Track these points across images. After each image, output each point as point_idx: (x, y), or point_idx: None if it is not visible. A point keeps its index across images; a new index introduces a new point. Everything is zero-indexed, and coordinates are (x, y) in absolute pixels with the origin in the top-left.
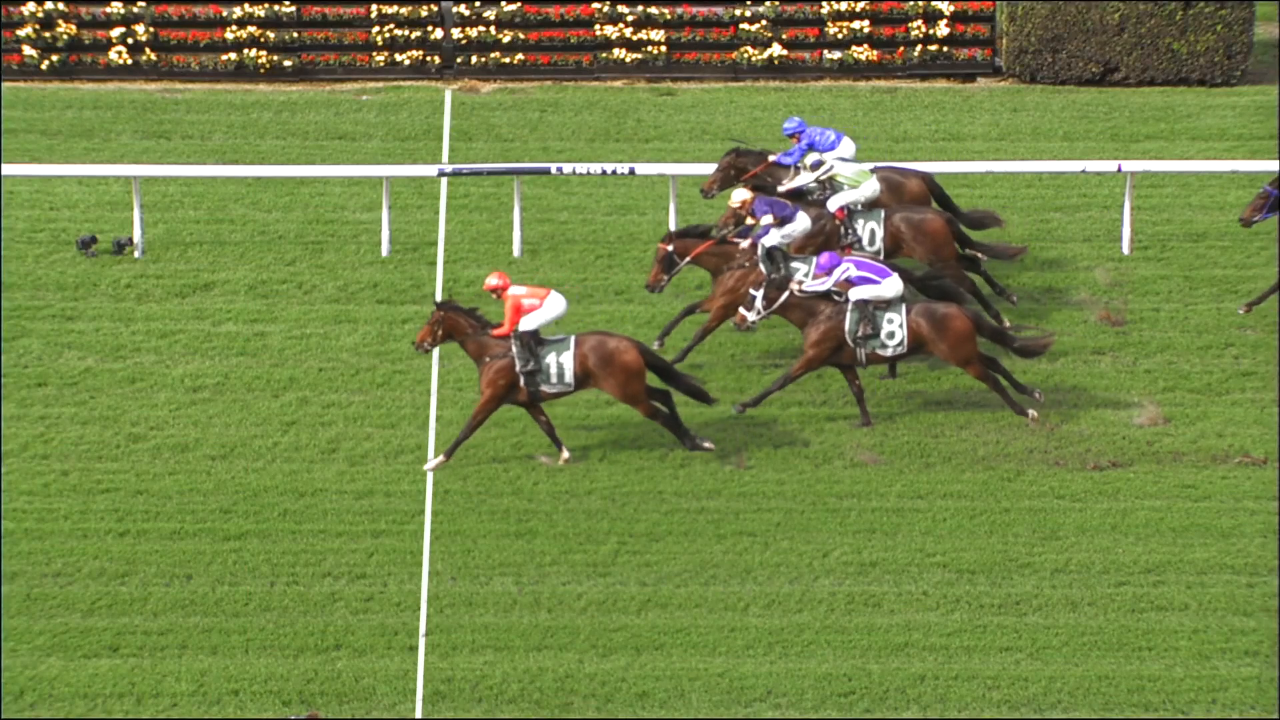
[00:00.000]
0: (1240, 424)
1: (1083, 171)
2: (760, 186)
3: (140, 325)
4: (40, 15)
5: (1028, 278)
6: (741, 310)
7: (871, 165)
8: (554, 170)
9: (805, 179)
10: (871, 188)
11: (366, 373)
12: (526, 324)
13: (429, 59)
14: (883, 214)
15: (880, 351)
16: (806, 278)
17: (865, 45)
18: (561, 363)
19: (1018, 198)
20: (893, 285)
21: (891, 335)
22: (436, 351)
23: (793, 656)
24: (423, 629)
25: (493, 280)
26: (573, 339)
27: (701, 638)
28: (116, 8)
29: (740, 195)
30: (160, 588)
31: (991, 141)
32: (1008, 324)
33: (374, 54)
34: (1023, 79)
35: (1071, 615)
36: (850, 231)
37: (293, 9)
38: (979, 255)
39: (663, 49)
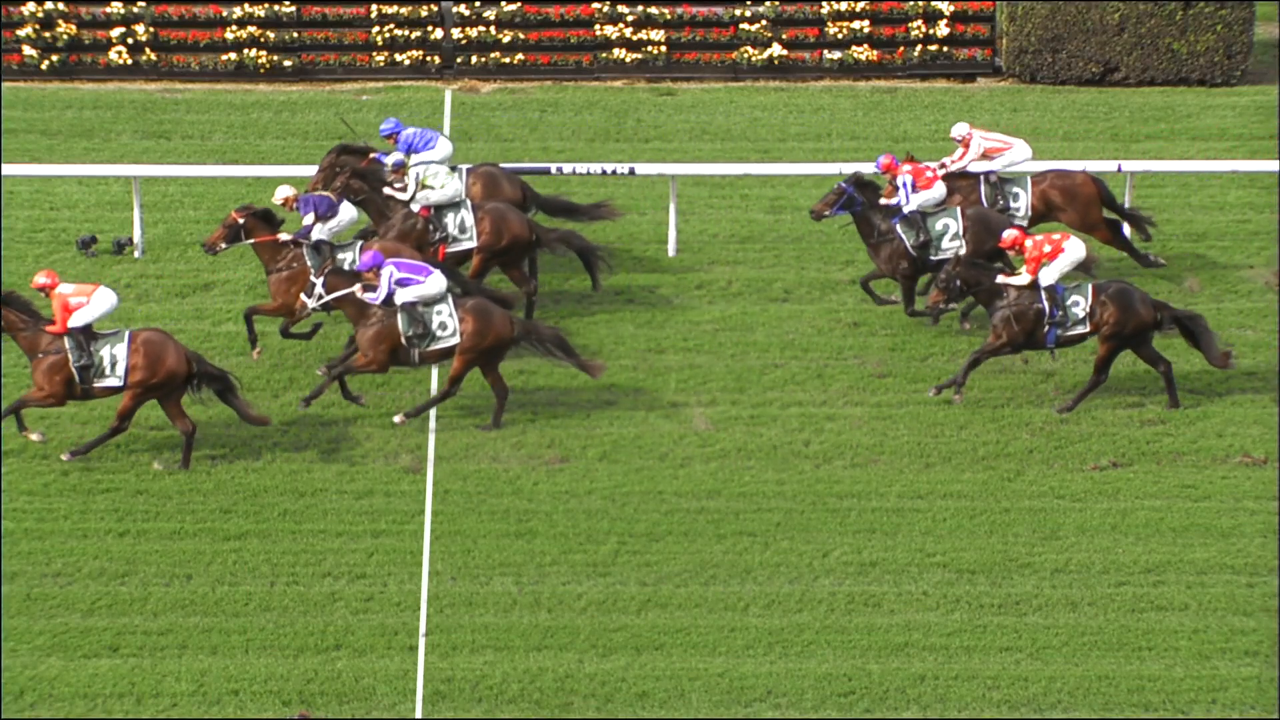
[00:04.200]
0: (1240, 424)
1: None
2: (363, 174)
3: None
4: (40, 15)
5: None
6: (303, 297)
7: (481, 164)
8: (554, 170)
9: (411, 188)
10: (454, 188)
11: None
12: (76, 320)
13: (429, 59)
14: (471, 204)
15: (434, 346)
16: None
17: (865, 45)
18: (115, 354)
19: None
20: (436, 282)
21: (443, 326)
22: None
23: (793, 656)
24: (423, 629)
25: (40, 279)
26: (127, 332)
27: (701, 638)
28: (116, 8)
29: (283, 193)
30: (160, 588)
31: None
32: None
33: (374, 54)
34: (1023, 79)
35: (1071, 615)
36: (440, 227)
37: (293, 9)
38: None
39: (663, 49)
